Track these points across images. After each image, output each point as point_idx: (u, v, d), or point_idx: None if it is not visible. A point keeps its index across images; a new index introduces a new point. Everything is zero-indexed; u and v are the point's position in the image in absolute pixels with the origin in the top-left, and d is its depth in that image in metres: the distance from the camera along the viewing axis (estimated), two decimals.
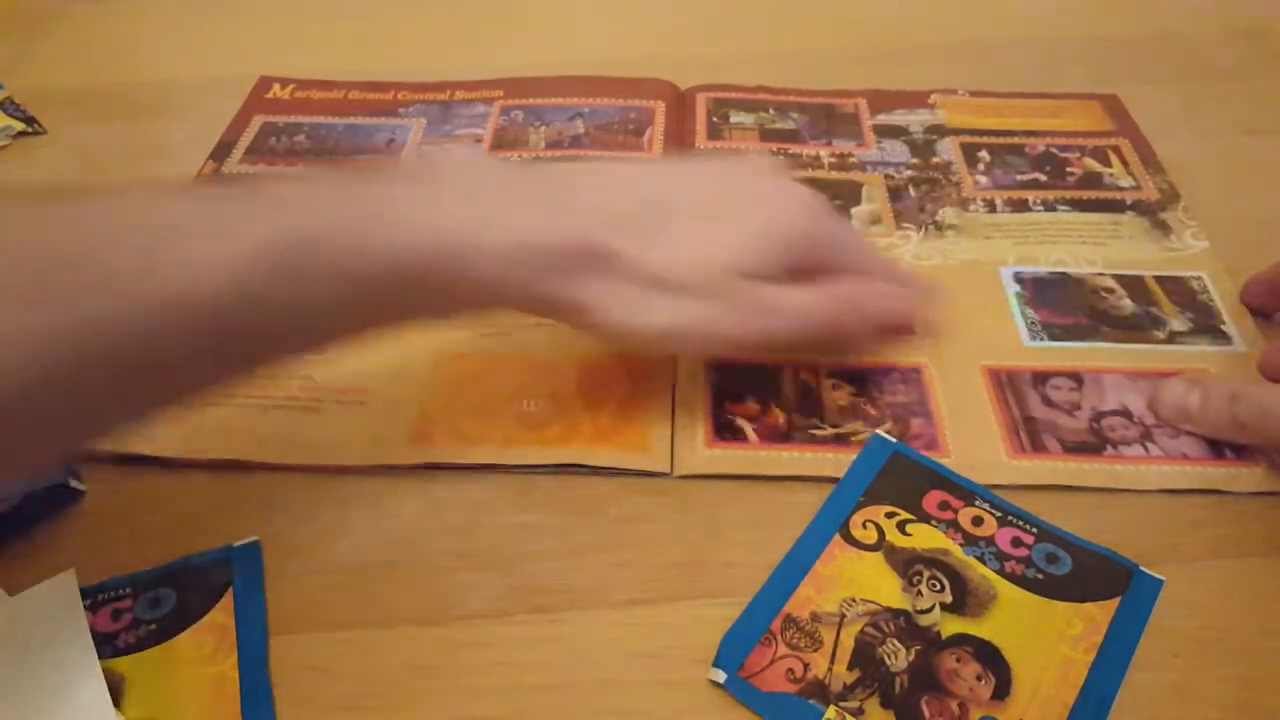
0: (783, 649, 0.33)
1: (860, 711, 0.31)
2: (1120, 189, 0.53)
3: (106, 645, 0.33)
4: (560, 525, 0.38)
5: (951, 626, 0.33)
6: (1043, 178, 0.54)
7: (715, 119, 0.58)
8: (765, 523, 0.37)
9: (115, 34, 0.69)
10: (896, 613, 0.34)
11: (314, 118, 0.59)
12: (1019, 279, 0.47)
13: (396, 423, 0.41)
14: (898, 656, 0.33)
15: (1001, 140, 0.56)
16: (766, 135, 0.57)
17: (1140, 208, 0.52)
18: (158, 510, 0.38)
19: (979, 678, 0.32)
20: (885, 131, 0.57)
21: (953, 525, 0.36)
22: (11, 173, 0.57)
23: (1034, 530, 0.36)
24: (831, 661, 0.33)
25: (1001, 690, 0.32)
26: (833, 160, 0.55)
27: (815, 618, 0.34)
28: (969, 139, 0.56)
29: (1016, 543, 0.36)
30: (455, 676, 0.33)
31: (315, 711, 0.32)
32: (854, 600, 0.34)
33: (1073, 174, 0.54)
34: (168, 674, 0.33)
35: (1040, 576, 0.35)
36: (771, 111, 0.59)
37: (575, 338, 0.37)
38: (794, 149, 0.56)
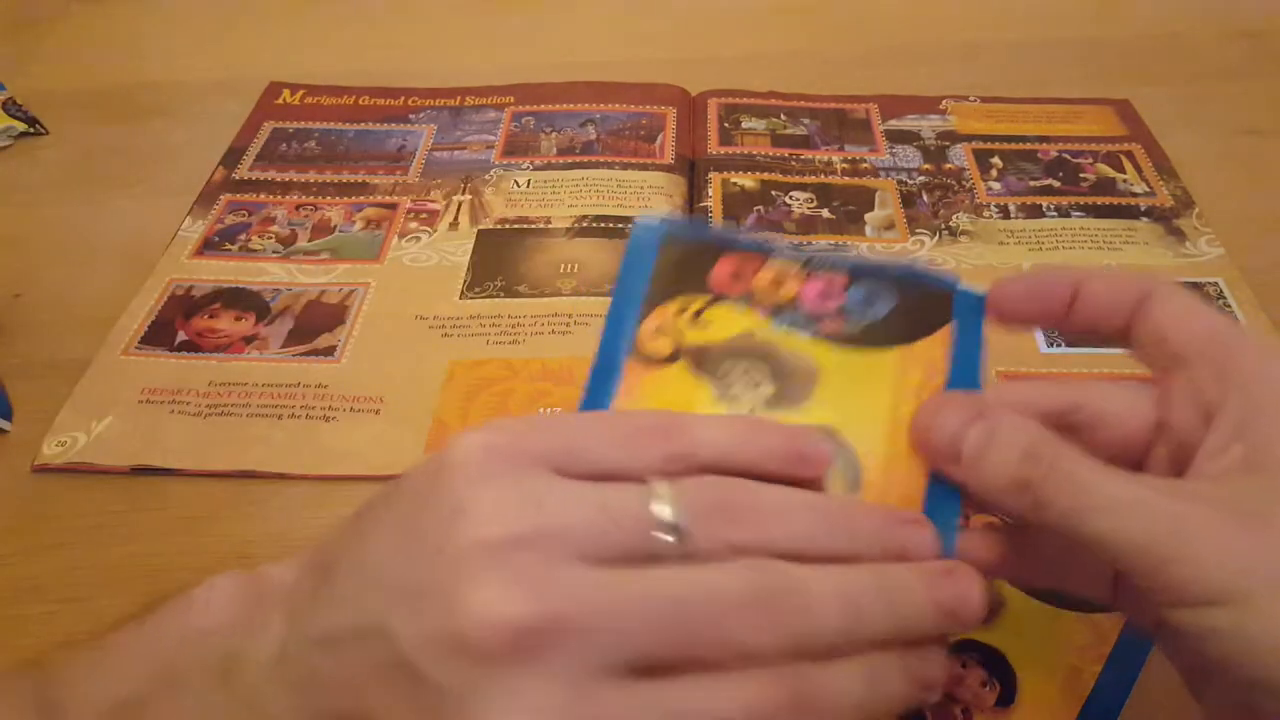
0: None
1: None
2: (1134, 195, 0.53)
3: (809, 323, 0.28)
4: None
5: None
6: (1056, 183, 0.54)
7: (726, 124, 0.58)
8: None
9: (118, 35, 0.69)
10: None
11: (324, 124, 0.59)
12: None
13: (411, 432, 0.41)
14: None
15: (1014, 146, 0.56)
16: (778, 141, 0.57)
17: (1154, 214, 0.51)
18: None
19: (984, 684, 0.31)
20: (897, 137, 0.57)
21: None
22: (13, 174, 0.57)
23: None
24: None
25: (1006, 697, 0.31)
26: (845, 166, 0.55)
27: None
28: (981, 145, 0.56)
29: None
30: None
31: None
32: None
33: (1086, 179, 0.54)
34: (866, 386, 0.27)
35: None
36: (783, 117, 0.59)
37: (590, 343, 0.37)
38: (806, 154, 0.56)
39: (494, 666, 0.20)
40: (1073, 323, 0.27)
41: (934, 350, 0.28)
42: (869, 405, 0.27)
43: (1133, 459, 0.26)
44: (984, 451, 0.24)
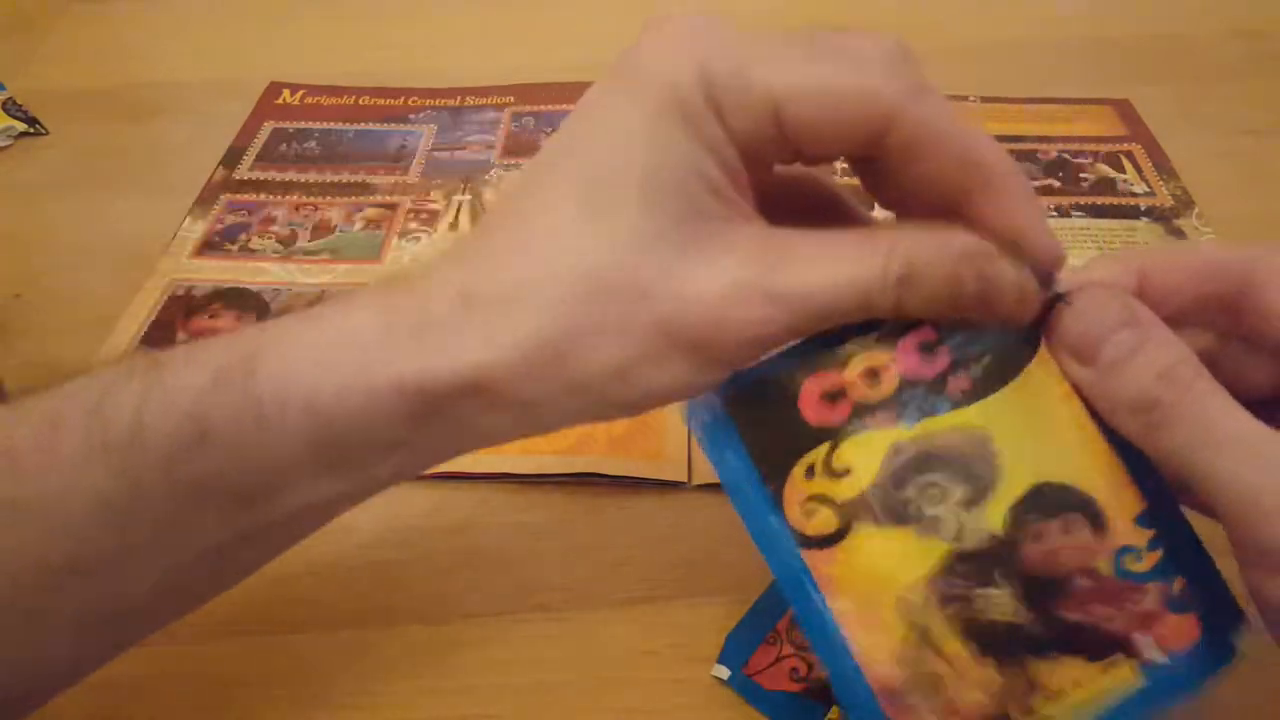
0: (788, 648, 0.33)
1: None
2: (1134, 194, 0.53)
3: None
4: (562, 524, 0.37)
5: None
6: (1056, 184, 0.54)
7: None
8: None
9: (119, 35, 0.69)
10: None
11: (325, 124, 0.59)
12: None
13: None
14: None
15: (1014, 146, 0.56)
16: None
17: (1154, 214, 0.51)
18: None
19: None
20: None
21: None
22: (13, 174, 0.57)
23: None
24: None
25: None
26: (844, 166, 0.55)
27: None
28: None
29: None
30: (458, 675, 0.33)
31: (318, 710, 0.32)
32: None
33: (1086, 179, 0.54)
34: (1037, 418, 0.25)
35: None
36: None
37: None
38: None
39: None
40: None
41: None
42: (1055, 436, 0.25)
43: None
44: (1125, 360, 0.23)
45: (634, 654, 0.33)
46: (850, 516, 0.25)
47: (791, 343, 0.25)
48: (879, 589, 0.25)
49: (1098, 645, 0.24)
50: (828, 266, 0.23)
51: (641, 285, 0.22)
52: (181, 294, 0.48)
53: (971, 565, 0.24)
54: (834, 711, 0.31)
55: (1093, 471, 0.25)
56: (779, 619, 0.34)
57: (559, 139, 0.25)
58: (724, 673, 0.32)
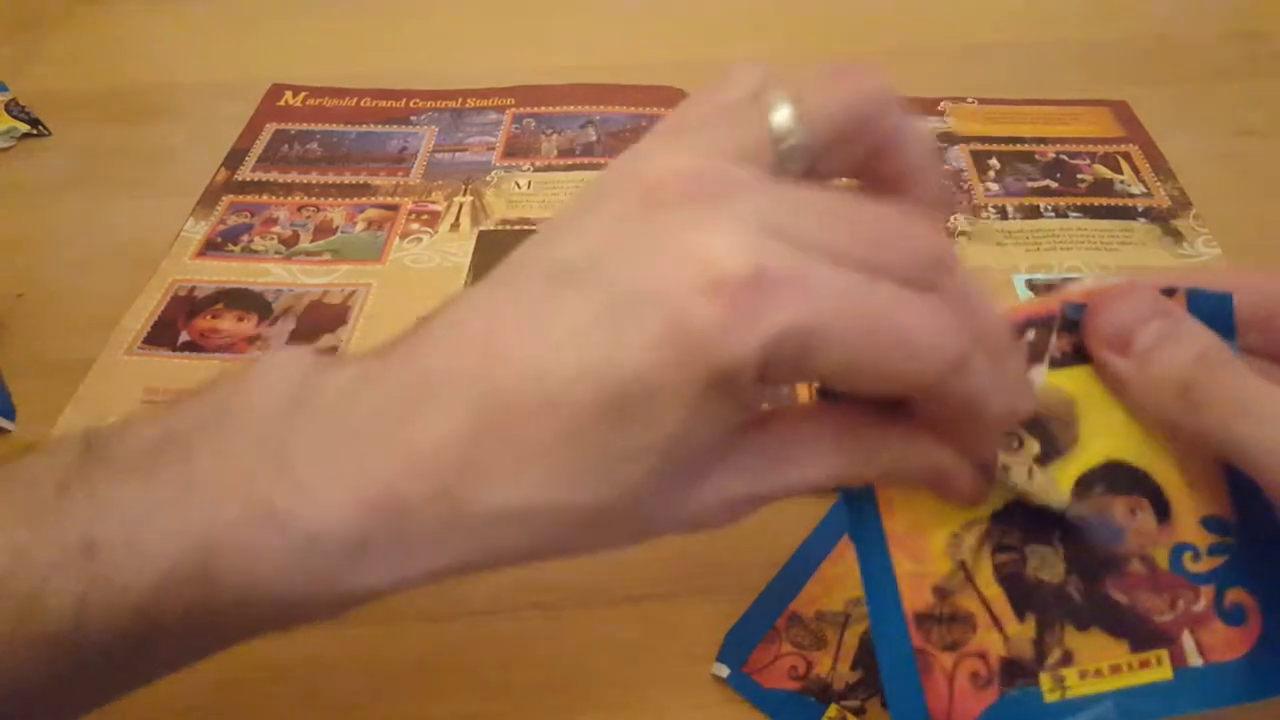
0: (787, 646, 0.33)
1: (862, 710, 0.31)
2: (1131, 195, 0.53)
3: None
4: None
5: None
6: (1054, 184, 0.54)
7: None
8: (772, 522, 0.37)
9: (121, 36, 0.69)
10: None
11: (326, 125, 0.59)
12: (1032, 286, 0.47)
13: None
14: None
15: (1011, 148, 0.56)
16: None
17: (1152, 214, 0.52)
18: None
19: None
20: None
21: None
22: (16, 175, 0.57)
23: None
24: (835, 661, 0.32)
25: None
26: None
27: (820, 616, 0.33)
28: (979, 146, 0.56)
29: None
30: (458, 673, 0.33)
31: (319, 709, 0.32)
32: (860, 601, 0.33)
33: (1083, 180, 0.54)
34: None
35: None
36: None
37: None
38: None
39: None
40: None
41: None
42: (1136, 422, 0.25)
43: None
44: (1159, 345, 0.24)
45: (633, 652, 0.34)
46: None
47: None
48: (936, 521, 0.25)
49: (1141, 634, 0.25)
50: (809, 470, 0.24)
51: (635, 518, 0.23)
52: (184, 295, 0.48)
53: (1031, 520, 0.25)
54: (832, 709, 0.31)
55: (1166, 464, 0.25)
56: (778, 617, 0.34)
57: (576, 346, 0.21)
58: (723, 671, 0.32)
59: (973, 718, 0.24)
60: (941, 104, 0.60)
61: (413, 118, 0.60)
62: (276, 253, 0.50)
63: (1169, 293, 0.25)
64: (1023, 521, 0.25)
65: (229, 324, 0.46)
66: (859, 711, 0.31)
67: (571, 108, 0.60)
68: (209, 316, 0.47)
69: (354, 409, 0.22)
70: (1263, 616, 0.24)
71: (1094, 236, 0.50)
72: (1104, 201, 0.53)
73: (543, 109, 0.60)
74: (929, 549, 0.25)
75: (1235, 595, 0.25)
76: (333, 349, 0.45)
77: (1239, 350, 0.24)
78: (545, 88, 0.62)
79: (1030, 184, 0.54)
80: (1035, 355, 0.25)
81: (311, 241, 0.51)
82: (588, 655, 0.34)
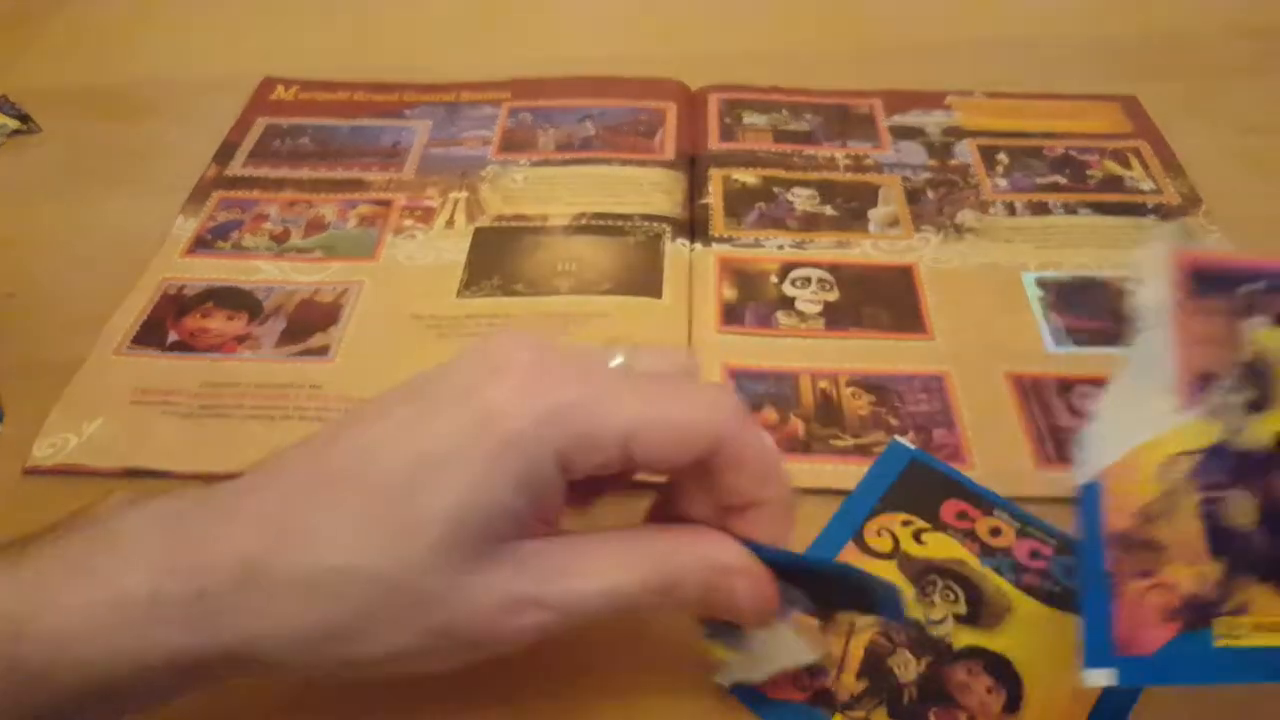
0: None
1: None
2: (1141, 192, 0.52)
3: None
4: (566, 528, 0.37)
5: (964, 638, 0.32)
6: (1062, 180, 0.53)
7: (727, 120, 0.58)
8: None
9: (111, 31, 0.68)
10: (908, 623, 0.33)
11: (318, 120, 0.58)
12: (1041, 284, 0.46)
13: None
14: (907, 667, 0.32)
15: (1020, 142, 0.55)
16: (780, 136, 0.56)
17: (1161, 211, 0.51)
18: None
19: (990, 691, 0.31)
20: (901, 133, 0.56)
21: (970, 535, 0.35)
22: (5, 172, 0.56)
23: (1053, 541, 0.35)
24: (840, 670, 0.32)
25: (1012, 704, 0.31)
26: (848, 162, 0.54)
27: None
28: (986, 141, 0.55)
29: (1035, 555, 0.35)
30: (456, 681, 0.32)
31: (316, 712, 0.32)
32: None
33: (1093, 177, 0.53)
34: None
35: (1058, 589, 0.34)
36: (785, 112, 0.58)
37: (585, 340, 0.36)
38: (808, 150, 0.55)
39: None
40: None
41: None
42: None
43: None
44: None
45: (638, 661, 0.33)
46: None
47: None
48: (1153, 443, 0.26)
49: None
50: (594, 580, 0.26)
51: (426, 597, 0.24)
52: (174, 293, 0.47)
53: (1235, 462, 0.26)
54: (837, 719, 0.31)
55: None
56: None
57: (395, 433, 0.26)
58: (727, 679, 0.32)
59: (1153, 649, 0.25)
60: (948, 98, 0.59)
61: (406, 112, 0.59)
62: (267, 250, 0.49)
63: None
64: (1231, 462, 0.26)
65: (219, 323, 0.45)
66: None
67: (569, 101, 0.59)
68: (198, 315, 0.46)
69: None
70: None
71: (1104, 233, 0.49)
72: (1113, 198, 0.52)
73: (539, 103, 0.59)
74: (1141, 469, 0.26)
75: None
76: (324, 348, 0.44)
77: None
78: (542, 81, 0.61)
79: (1039, 180, 0.53)
80: (1264, 308, 0.26)
81: (303, 238, 0.50)
82: (591, 664, 0.33)
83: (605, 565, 0.26)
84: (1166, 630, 0.25)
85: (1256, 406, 0.26)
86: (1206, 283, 0.26)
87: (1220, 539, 0.25)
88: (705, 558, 0.27)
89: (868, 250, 0.49)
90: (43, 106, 0.59)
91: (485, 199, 0.52)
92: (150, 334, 0.45)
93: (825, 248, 0.49)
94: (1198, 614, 0.25)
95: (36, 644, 0.23)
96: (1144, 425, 0.26)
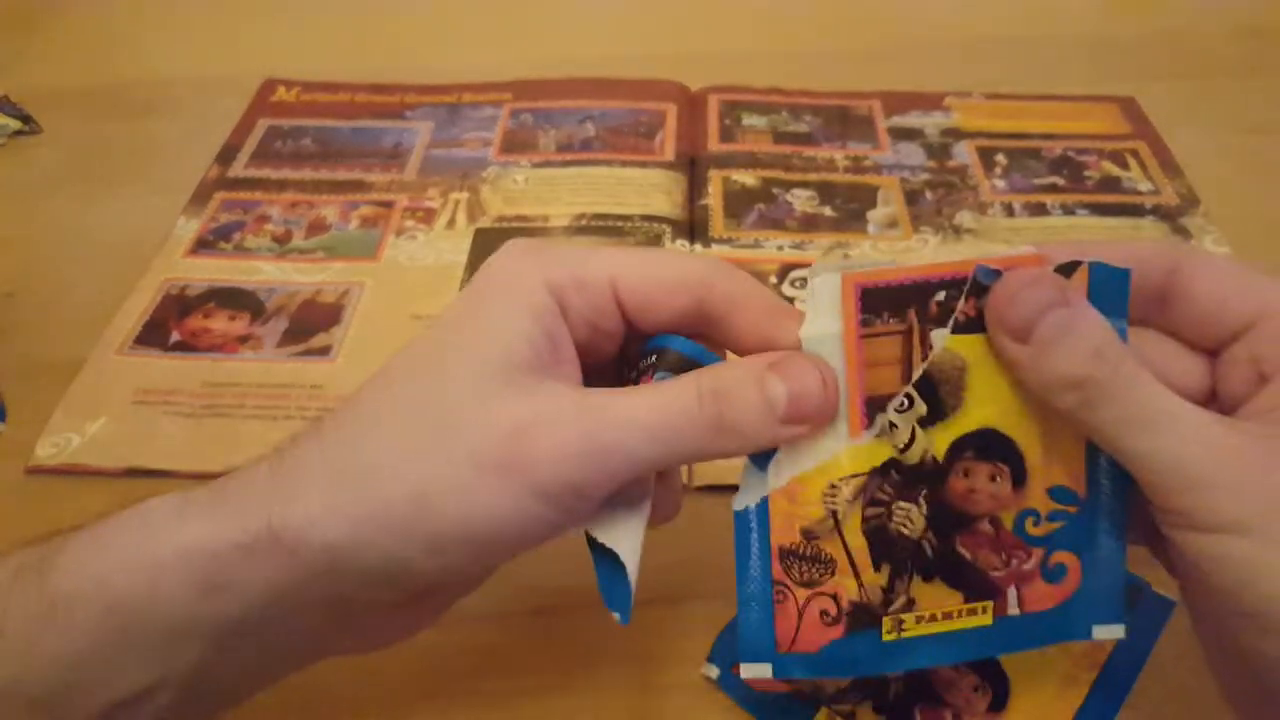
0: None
1: (852, 715, 0.31)
2: (1139, 193, 0.52)
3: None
4: None
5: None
6: (1061, 181, 0.53)
7: (727, 121, 0.58)
8: None
9: (113, 32, 0.69)
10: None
11: (320, 121, 0.59)
12: None
13: None
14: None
15: (1018, 143, 0.56)
16: (779, 138, 0.56)
17: (1160, 212, 0.51)
18: None
19: (976, 689, 0.31)
20: (900, 134, 0.56)
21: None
22: (7, 172, 0.56)
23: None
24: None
25: (998, 702, 0.31)
26: (848, 163, 0.54)
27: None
28: (985, 142, 0.56)
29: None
30: (454, 679, 0.33)
31: (314, 716, 0.32)
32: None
33: (1090, 177, 0.53)
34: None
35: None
36: (784, 114, 0.58)
37: None
38: (808, 152, 0.55)
39: None
40: None
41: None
42: (1016, 392, 0.26)
43: None
44: (1058, 338, 0.23)
45: (629, 657, 0.33)
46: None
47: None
48: (818, 470, 0.26)
49: (975, 586, 0.27)
50: (643, 396, 0.25)
51: (453, 416, 0.24)
52: (175, 293, 0.47)
53: (905, 478, 0.26)
54: (822, 713, 0.31)
55: (1033, 436, 0.26)
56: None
57: (412, 345, 0.26)
58: (713, 672, 0.32)
59: (816, 648, 0.27)
60: (947, 99, 0.59)
61: (408, 113, 0.59)
62: (269, 250, 0.49)
63: (1072, 266, 0.25)
64: (897, 479, 0.26)
65: (220, 323, 0.45)
66: (849, 716, 0.31)
67: (570, 102, 0.59)
68: (200, 316, 0.46)
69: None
70: (1082, 576, 0.27)
71: (1102, 234, 0.49)
72: (1112, 199, 0.52)
73: (540, 104, 0.59)
74: (806, 494, 0.26)
75: (1060, 557, 0.27)
76: (326, 348, 0.44)
77: (1127, 326, 0.25)
78: (543, 82, 0.61)
79: (1037, 181, 0.53)
80: (943, 316, 0.25)
81: (304, 239, 0.50)
82: (582, 662, 0.33)
83: (651, 388, 0.25)
84: (832, 632, 0.27)
85: (932, 419, 0.26)
86: (877, 301, 0.25)
87: (884, 549, 0.27)
88: (755, 361, 0.25)
89: (867, 251, 0.49)
90: (44, 107, 0.60)
91: (486, 200, 0.52)
92: (152, 334, 0.45)
93: (825, 248, 0.49)
94: (864, 617, 0.27)
95: (61, 573, 0.23)
96: (809, 456, 0.26)
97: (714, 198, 0.52)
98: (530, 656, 0.34)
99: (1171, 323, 0.26)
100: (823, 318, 0.25)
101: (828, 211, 0.51)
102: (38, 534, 0.25)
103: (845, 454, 0.26)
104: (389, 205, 0.52)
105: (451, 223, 0.51)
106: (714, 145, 0.56)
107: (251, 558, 0.23)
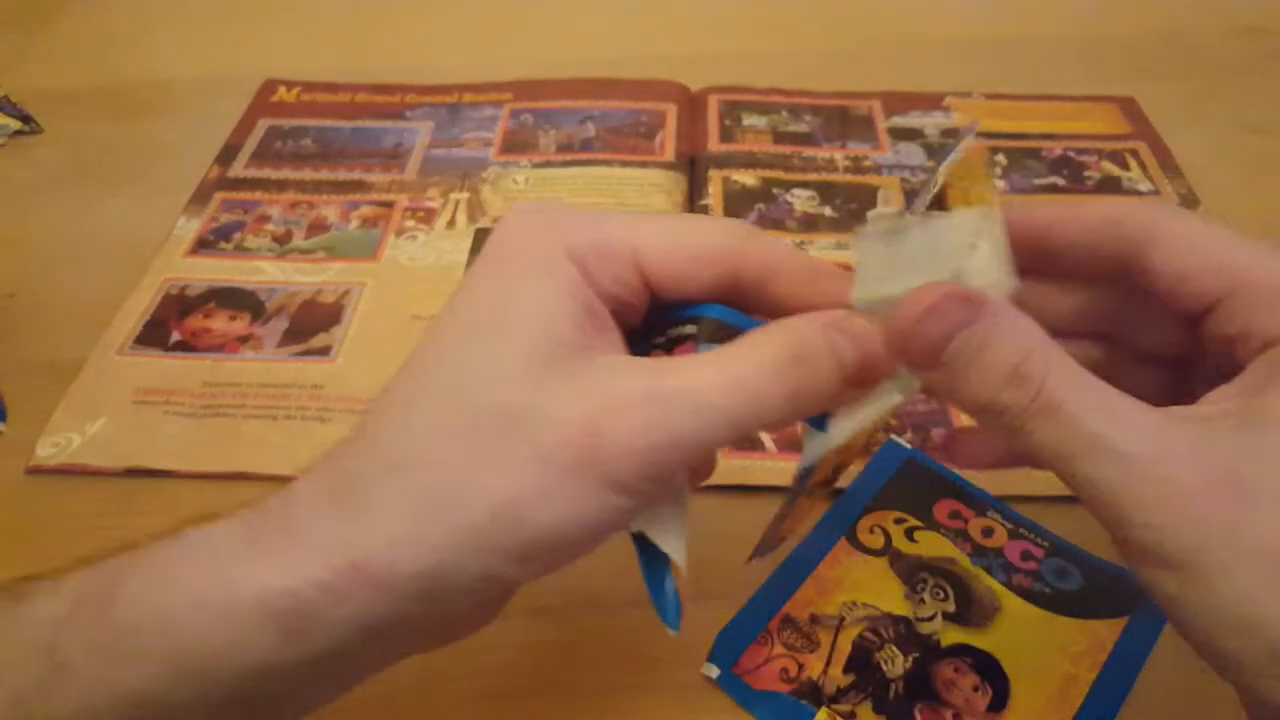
0: (778, 649, 0.33)
1: (852, 715, 0.31)
2: (1139, 193, 0.52)
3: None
4: None
5: (952, 636, 0.33)
6: (1061, 181, 0.53)
7: (727, 121, 0.58)
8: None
9: (113, 32, 0.69)
10: (897, 619, 0.33)
11: (320, 121, 0.59)
12: None
13: None
14: (894, 662, 0.32)
15: (1018, 143, 0.56)
16: (779, 138, 0.56)
17: None
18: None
19: (976, 689, 0.32)
20: (900, 134, 0.56)
21: (962, 535, 0.36)
22: (7, 172, 0.56)
23: (1045, 544, 0.35)
24: (827, 664, 0.32)
25: (998, 703, 0.31)
26: (848, 164, 0.55)
27: (814, 619, 0.33)
28: (985, 142, 0.56)
29: (1026, 556, 0.35)
30: (456, 680, 0.33)
31: (314, 715, 0.32)
32: (854, 604, 0.34)
33: (1090, 177, 0.53)
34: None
35: (1048, 591, 0.34)
36: (784, 114, 0.58)
37: None
38: (808, 152, 0.55)
39: None
40: (1050, 275, 0.26)
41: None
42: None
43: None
44: (969, 362, 0.21)
45: (630, 657, 0.33)
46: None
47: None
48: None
49: None
50: (713, 370, 0.22)
51: (514, 413, 0.22)
52: (176, 293, 0.47)
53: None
54: (822, 713, 0.31)
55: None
56: (771, 619, 0.34)
57: (437, 321, 0.24)
58: (713, 671, 0.32)
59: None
60: (947, 99, 0.59)
61: (408, 113, 0.59)
62: (269, 250, 0.49)
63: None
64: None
65: (221, 324, 0.45)
66: (850, 716, 0.31)
67: (570, 103, 0.59)
68: (201, 316, 0.46)
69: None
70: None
71: None
72: (1112, 199, 0.52)
73: (541, 104, 0.59)
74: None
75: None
76: (326, 348, 0.44)
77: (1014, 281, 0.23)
78: (543, 82, 0.61)
79: (1037, 181, 0.53)
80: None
81: (305, 239, 0.50)
82: (584, 663, 0.33)
83: (716, 361, 0.23)
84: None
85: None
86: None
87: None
88: (814, 324, 0.23)
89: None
90: (45, 107, 0.60)
91: (486, 200, 0.52)
92: (153, 334, 0.45)
93: (825, 249, 0.49)
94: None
95: (127, 603, 0.22)
96: (872, 409, 0.25)
97: (714, 198, 0.52)
98: (530, 656, 0.34)
99: (1141, 283, 0.25)
100: (874, 282, 0.24)
101: (828, 212, 0.51)
102: (89, 554, 0.24)
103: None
104: (389, 205, 0.52)
105: (452, 223, 0.51)
106: (714, 145, 0.56)
107: (334, 595, 0.21)
